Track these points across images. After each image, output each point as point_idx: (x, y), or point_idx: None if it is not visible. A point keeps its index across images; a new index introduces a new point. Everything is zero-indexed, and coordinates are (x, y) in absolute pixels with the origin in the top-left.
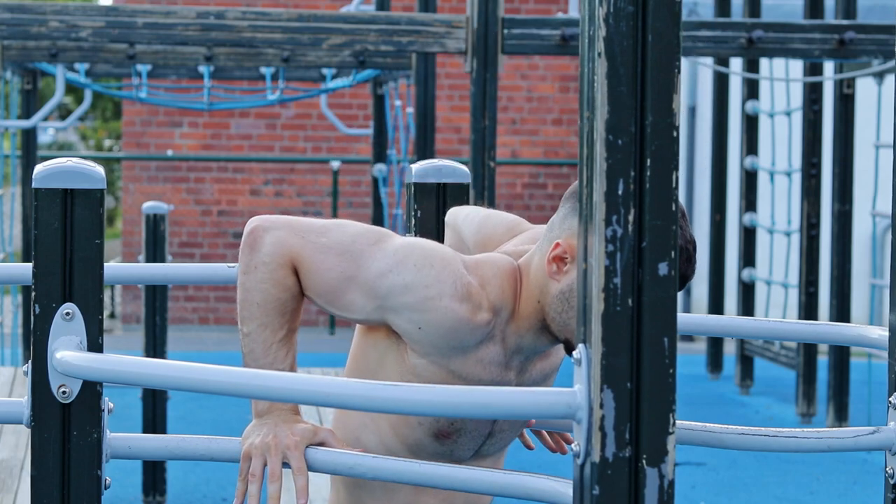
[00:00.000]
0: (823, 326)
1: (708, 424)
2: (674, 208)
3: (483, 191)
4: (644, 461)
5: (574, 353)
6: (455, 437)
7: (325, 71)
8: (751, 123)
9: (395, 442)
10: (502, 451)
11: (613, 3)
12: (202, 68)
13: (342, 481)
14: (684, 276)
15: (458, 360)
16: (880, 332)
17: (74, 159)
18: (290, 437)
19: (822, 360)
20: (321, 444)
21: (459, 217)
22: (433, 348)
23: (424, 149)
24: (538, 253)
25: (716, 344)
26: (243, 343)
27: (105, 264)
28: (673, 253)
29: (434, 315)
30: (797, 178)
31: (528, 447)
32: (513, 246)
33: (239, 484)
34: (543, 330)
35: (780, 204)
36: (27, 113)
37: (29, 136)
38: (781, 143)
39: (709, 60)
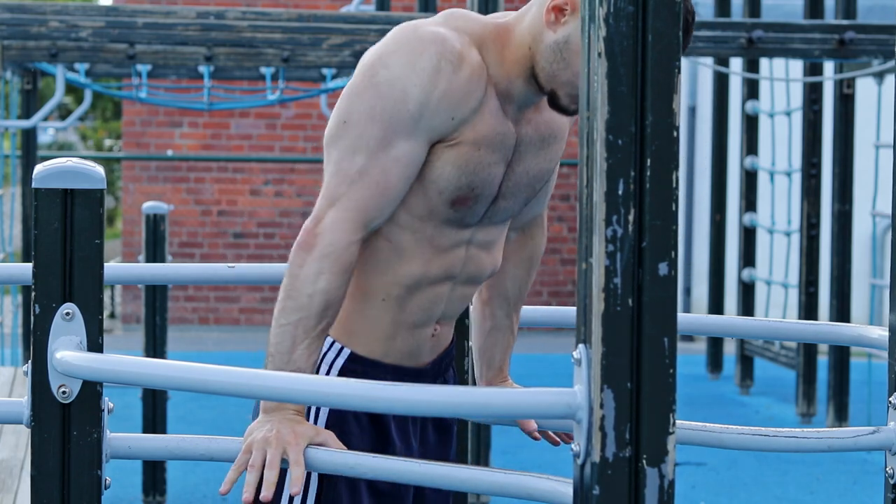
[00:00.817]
0: (823, 326)
1: (708, 424)
2: (674, 208)
3: None
4: (644, 461)
5: (574, 353)
6: (471, 204)
7: (325, 71)
8: (751, 123)
9: (406, 213)
10: (505, 225)
11: (613, 3)
12: (202, 68)
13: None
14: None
15: (478, 120)
16: (880, 332)
17: (74, 159)
18: (291, 434)
19: (822, 360)
20: (322, 444)
21: None
22: (464, 123)
23: None
24: (537, 2)
25: (716, 344)
26: (276, 332)
27: (105, 264)
28: (673, 253)
29: (453, 98)
30: (797, 178)
31: (535, 438)
32: None
33: (230, 473)
34: (532, 78)
35: (780, 204)
36: (27, 113)
37: (29, 136)
38: (781, 143)
39: (709, 60)
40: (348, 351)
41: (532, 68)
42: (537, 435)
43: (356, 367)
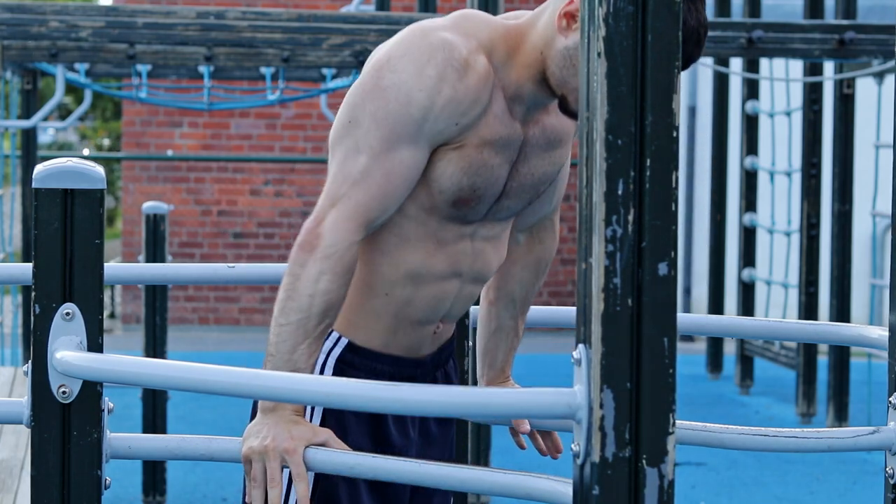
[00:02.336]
0: (823, 326)
1: (708, 424)
2: (674, 208)
3: None
4: (644, 461)
5: (574, 353)
6: (473, 204)
7: (325, 71)
8: (751, 123)
9: (411, 204)
10: (508, 221)
11: (613, 3)
12: (202, 68)
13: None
14: (690, 58)
15: (482, 124)
16: (880, 332)
17: (74, 159)
18: (288, 440)
19: (822, 360)
20: (321, 445)
21: None
22: (468, 129)
23: None
24: (551, 5)
25: (716, 344)
26: (276, 332)
27: (105, 264)
28: (673, 253)
29: (457, 105)
30: (797, 178)
31: (521, 447)
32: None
33: (252, 492)
34: (543, 82)
35: (780, 204)
36: (27, 113)
37: (29, 136)
38: (781, 143)
39: (709, 60)
40: (346, 340)
41: (543, 72)
42: (524, 445)
43: (353, 356)
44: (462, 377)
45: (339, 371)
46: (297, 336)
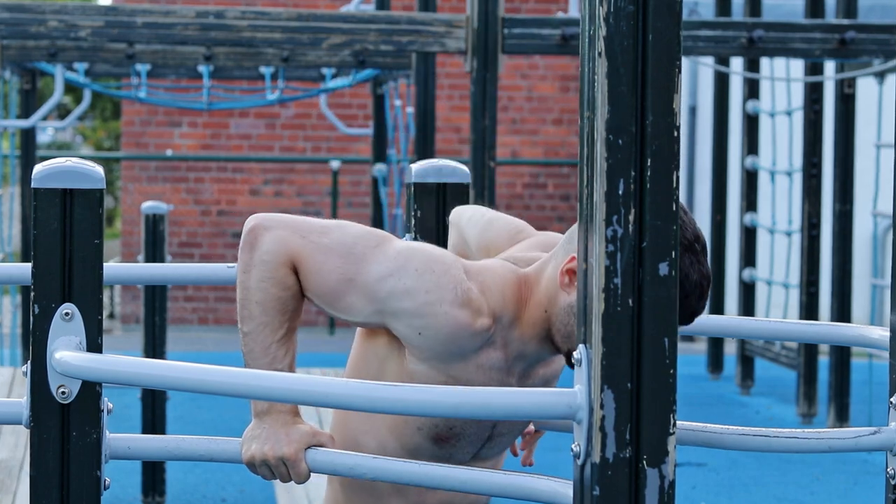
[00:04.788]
0: (824, 327)
1: (708, 425)
2: (674, 208)
3: (483, 191)
4: (644, 461)
5: (574, 353)
6: (454, 442)
7: (324, 71)
8: (751, 123)
9: (395, 446)
10: (501, 455)
11: (613, 2)
12: (202, 68)
13: (339, 482)
14: (694, 312)
15: (457, 366)
16: (881, 333)
17: (74, 159)
18: (287, 445)
19: (823, 360)
20: (320, 445)
21: (463, 218)
22: (432, 353)
23: (424, 149)
24: (552, 262)
25: (716, 344)
26: (243, 342)
27: (105, 264)
28: (673, 253)
29: (433, 320)
30: (798, 178)
31: (514, 454)
32: (517, 252)
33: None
34: (547, 339)
35: (780, 204)
36: (26, 113)
37: (28, 136)
38: (782, 143)
39: (709, 60)
40: None
41: (548, 329)
42: (517, 451)
43: None
44: None
45: None
46: (261, 340)
